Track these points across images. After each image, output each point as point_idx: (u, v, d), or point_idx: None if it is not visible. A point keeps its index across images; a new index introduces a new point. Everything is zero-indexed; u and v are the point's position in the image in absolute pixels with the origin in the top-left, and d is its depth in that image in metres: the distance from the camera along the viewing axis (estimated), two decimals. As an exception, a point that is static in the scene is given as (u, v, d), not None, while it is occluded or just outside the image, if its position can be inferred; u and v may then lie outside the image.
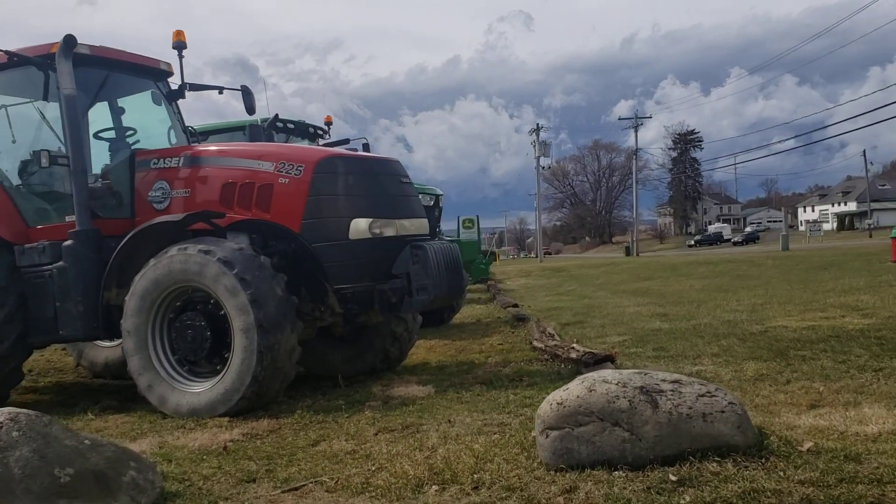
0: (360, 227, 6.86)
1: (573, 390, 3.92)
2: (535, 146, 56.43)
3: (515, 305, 15.39)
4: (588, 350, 7.39)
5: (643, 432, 3.63)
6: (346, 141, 13.81)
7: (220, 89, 9.25)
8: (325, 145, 13.39)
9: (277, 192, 7.00)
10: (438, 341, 10.52)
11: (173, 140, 8.62)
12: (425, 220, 7.57)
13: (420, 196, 11.97)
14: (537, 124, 56.37)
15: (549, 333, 9.25)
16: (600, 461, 3.70)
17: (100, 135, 8.18)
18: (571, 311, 13.63)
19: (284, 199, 6.98)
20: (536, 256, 59.20)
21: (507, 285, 23.35)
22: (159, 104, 8.67)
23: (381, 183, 7.15)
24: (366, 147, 13.55)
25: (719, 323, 10.04)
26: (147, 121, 8.78)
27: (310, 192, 6.88)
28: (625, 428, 3.66)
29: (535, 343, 8.82)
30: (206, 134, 12.12)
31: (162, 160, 7.62)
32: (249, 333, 6.21)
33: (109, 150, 8.32)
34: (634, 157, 64.91)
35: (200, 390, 6.48)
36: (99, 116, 8.37)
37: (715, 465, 3.58)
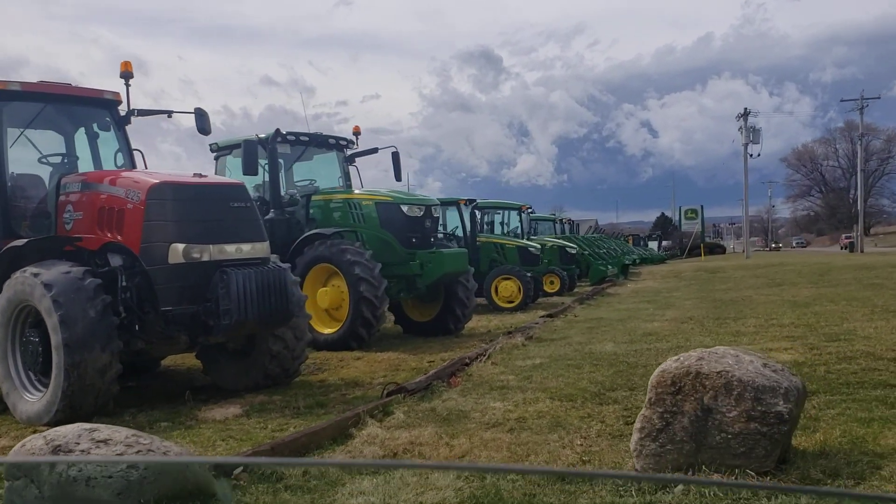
0: (177, 251, 7.16)
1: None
2: (741, 132, 52.05)
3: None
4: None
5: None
6: (375, 150, 14.02)
7: (169, 113, 9.92)
8: (352, 155, 13.77)
9: (126, 217, 7.50)
10: (394, 354, 10.50)
11: (119, 163, 9.40)
12: (261, 244, 7.64)
13: (408, 206, 12.04)
14: (745, 109, 51.92)
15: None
16: None
17: (43, 160, 9.15)
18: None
19: (130, 223, 7.47)
20: (744, 252, 54.69)
21: (610, 292, 22.07)
22: (108, 130, 9.51)
23: (205, 208, 7.34)
24: (395, 156, 13.66)
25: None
26: (102, 146, 9.68)
27: (144, 216, 7.31)
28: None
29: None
30: (229, 148, 13.02)
31: (70, 185, 8.40)
32: (59, 351, 6.76)
33: (51, 175, 9.30)
34: (860, 143, 57.43)
35: (35, 400, 7.15)
36: (50, 143, 9.41)
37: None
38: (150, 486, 3.53)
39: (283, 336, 8.20)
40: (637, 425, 4.20)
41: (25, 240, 7.51)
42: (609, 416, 5.85)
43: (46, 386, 7.22)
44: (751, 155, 52.03)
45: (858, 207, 58.50)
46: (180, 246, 7.16)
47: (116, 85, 9.12)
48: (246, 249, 7.49)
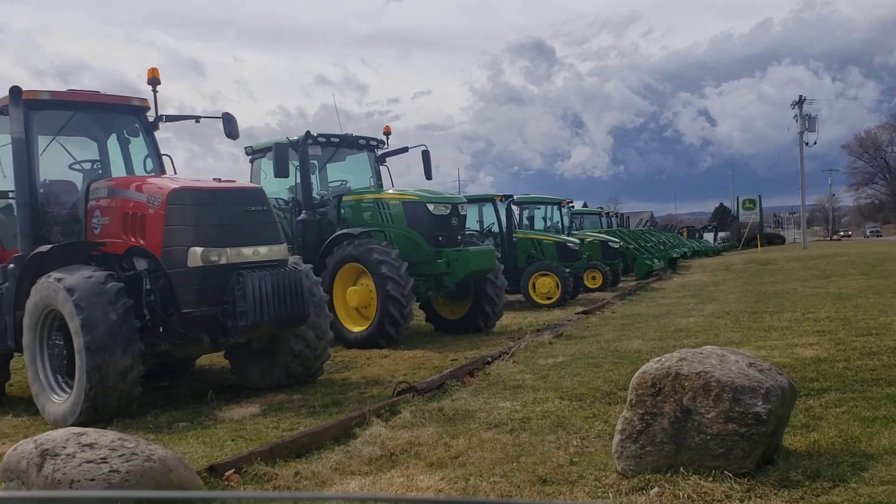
0: (196, 254, 7.35)
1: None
2: (797, 120, 50.63)
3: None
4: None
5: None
6: (405, 149, 14.11)
7: (197, 118, 10.17)
8: (382, 155, 13.88)
9: (148, 222, 7.74)
10: (420, 352, 10.59)
11: (148, 168, 9.67)
12: (279, 246, 7.79)
13: (435, 205, 12.09)
14: (800, 96, 50.40)
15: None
16: None
17: (76, 167, 9.47)
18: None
19: (151, 228, 7.70)
20: (800, 242, 53.24)
21: (654, 287, 21.72)
22: (137, 136, 9.79)
23: (222, 213, 7.51)
24: (425, 155, 13.73)
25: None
26: (133, 151, 9.97)
27: (165, 221, 7.53)
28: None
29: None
30: (263, 151, 13.26)
31: (98, 190, 8.68)
32: (81, 354, 7.02)
33: (83, 181, 9.61)
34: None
35: (61, 402, 7.43)
36: (84, 150, 9.73)
37: None
38: (133, 488, 3.65)
39: (305, 336, 8.35)
40: (618, 427, 4.17)
41: (50, 245, 7.79)
42: (614, 416, 5.79)
43: (72, 388, 7.48)
44: (807, 143, 50.67)
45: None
46: (199, 249, 7.35)
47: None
48: (263, 252, 7.64)
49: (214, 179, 8.01)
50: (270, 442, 5.51)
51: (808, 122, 50.12)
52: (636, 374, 4.24)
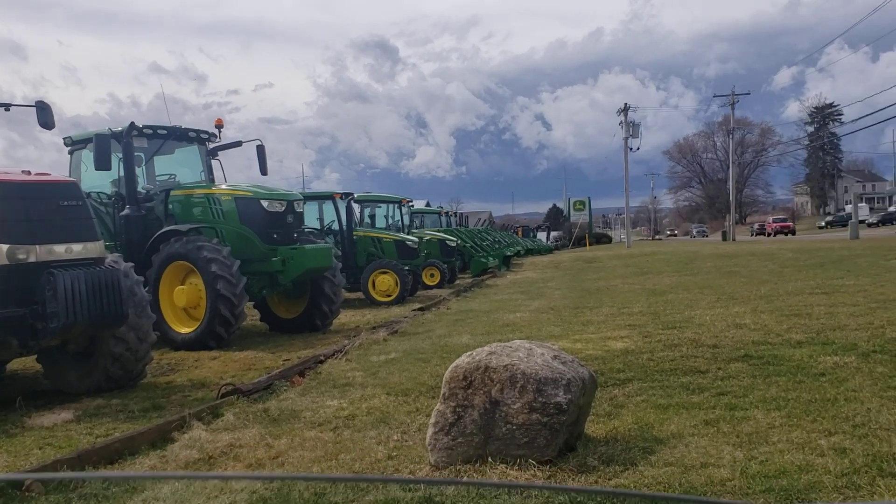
0: (0, 252, 6.83)
1: None
2: (622, 126, 54.00)
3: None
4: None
5: None
6: (238, 143, 13.77)
7: (7, 106, 9.41)
8: (214, 148, 13.46)
9: None
10: (252, 353, 10.40)
11: None
12: (94, 244, 7.41)
13: (269, 202, 11.88)
14: (625, 104, 53.86)
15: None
16: None
17: None
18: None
19: None
20: (625, 242, 56.80)
21: (489, 284, 22.53)
22: None
23: (31, 208, 7.04)
24: (260, 149, 13.45)
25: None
26: None
27: None
28: None
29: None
30: (83, 142, 12.50)
31: None
32: None
33: None
34: (730, 136, 60.95)
35: None
36: None
37: None
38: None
39: (125, 337, 7.98)
40: (431, 420, 4.33)
41: None
42: (436, 410, 5.99)
43: None
44: (631, 149, 54.12)
45: (731, 198, 61.49)
46: (4, 247, 6.85)
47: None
48: (77, 249, 7.24)
49: (24, 172, 7.48)
50: (80, 449, 5.24)
51: (633, 128, 53.55)
52: (449, 368, 4.41)
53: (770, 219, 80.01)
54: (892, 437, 4.48)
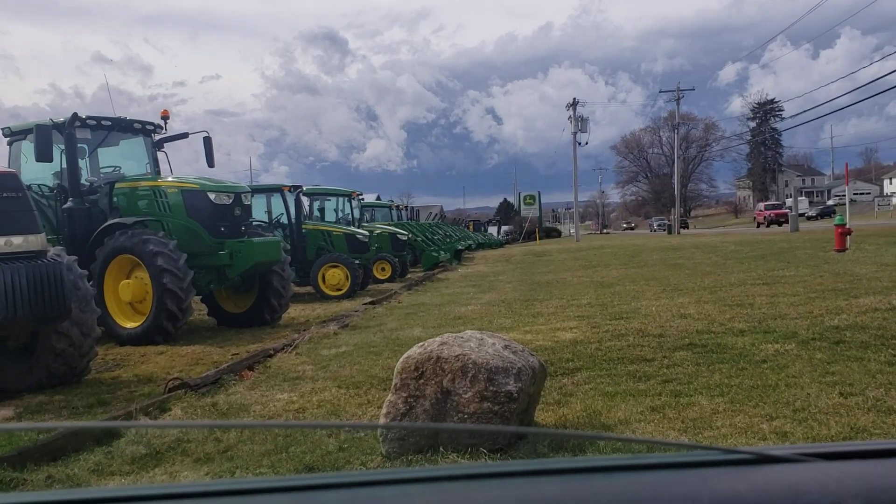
0: (-63, 245, 6.62)
1: None
2: (571, 121, 54.61)
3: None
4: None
5: None
6: (185, 135, 13.54)
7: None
8: (160, 140, 13.20)
9: None
10: (200, 347, 10.26)
11: None
12: (35, 236, 7.22)
13: (216, 194, 11.71)
14: (574, 99, 54.51)
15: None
16: None
17: None
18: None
19: None
20: (573, 236, 57.53)
21: (440, 277, 22.59)
22: None
23: (-32, 199, 6.84)
24: (207, 141, 13.24)
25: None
26: None
27: None
28: None
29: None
30: (23, 133, 12.14)
31: None
32: None
33: None
34: (675, 132, 62.24)
35: None
36: None
37: None
38: None
39: (69, 332, 7.80)
40: (383, 411, 4.34)
41: None
42: (387, 402, 6.00)
43: None
44: (580, 143, 54.74)
45: (676, 192, 62.69)
46: (-59, 240, 6.64)
47: None
48: (17, 242, 7.04)
49: (-42, 163, 7.25)
50: (20, 446, 5.10)
51: (581, 123, 54.16)
52: (401, 359, 4.42)
53: (761, 205, 74.87)
54: (831, 420, 4.64)
